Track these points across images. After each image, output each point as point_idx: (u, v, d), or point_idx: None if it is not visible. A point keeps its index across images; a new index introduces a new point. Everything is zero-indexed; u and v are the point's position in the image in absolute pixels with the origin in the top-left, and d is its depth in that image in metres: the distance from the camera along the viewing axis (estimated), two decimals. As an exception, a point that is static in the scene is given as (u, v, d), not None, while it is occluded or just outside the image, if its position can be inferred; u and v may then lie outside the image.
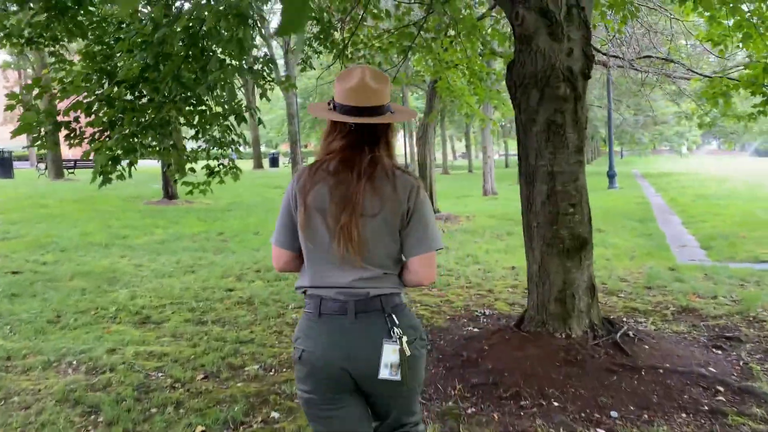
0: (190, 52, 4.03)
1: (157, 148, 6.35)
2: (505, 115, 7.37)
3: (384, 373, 1.70)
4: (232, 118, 4.66)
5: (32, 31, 6.70)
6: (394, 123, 1.82)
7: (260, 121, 4.71)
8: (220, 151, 6.40)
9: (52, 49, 7.18)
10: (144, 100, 4.70)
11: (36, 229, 10.14)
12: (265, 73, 6.73)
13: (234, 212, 13.53)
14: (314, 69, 7.53)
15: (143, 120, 3.94)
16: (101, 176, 5.17)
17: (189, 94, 3.79)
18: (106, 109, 3.93)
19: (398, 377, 1.71)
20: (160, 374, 4.09)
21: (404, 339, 1.72)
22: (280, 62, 30.02)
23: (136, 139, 4.03)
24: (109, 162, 3.91)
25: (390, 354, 1.70)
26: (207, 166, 6.30)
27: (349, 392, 1.78)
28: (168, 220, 11.69)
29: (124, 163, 5.48)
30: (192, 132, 6.48)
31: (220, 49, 3.83)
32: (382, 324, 1.73)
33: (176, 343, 4.77)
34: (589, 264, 3.97)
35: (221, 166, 6.39)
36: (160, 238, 9.99)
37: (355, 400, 1.80)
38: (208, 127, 4.33)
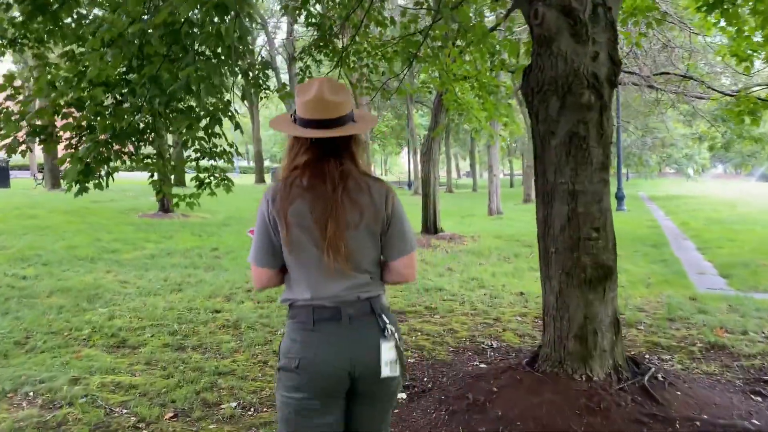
0: (172, 51, 3.60)
1: (140, 157, 5.95)
2: (514, 133, 6.91)
3: (386, 371, 1.76)
4: (214, 125, 4.19)
5: (15, 31, 6.31)
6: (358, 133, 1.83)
7: (237, 125, 4.26)
8: (210, 162, 6.00)
9: (37, 51, 6.79)
10: (127, 104, 4.28)
11: (21, 241, 9.69)
12: (261, 80, 6.33)
13: (231, 227, 13.09)
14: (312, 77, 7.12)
15: (120, 126, 3.50)
16: (77, 185, 4.77)
17: (168, 96, 3.34)
18: (79, 113, 3.49)
19: (397, 373, 1.80)
20: (124, 410, 3.61)
21: (397, 336, 1.80)
22: (285, 77, 29.86)
23: (110, 147, 3.58)
24: (80, 174, 3.47)
25: (388, 351, 1.77)
26: (196, 178, 5.91)
27: (342, 397, 1.82)
28: (161, 234, 11.24)
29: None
30: (176, 141, 6.08)
31: (204, 47, 3.41)
32: (375, 324, 1.79)
33: (149, 373, 4.29)
34: (613, 296, 3.49)
35: (212, 178, 5.99)
36: (151, 252, 9.53)
37: (341, 408, 1.84)
38: (185, 131, 3.87)
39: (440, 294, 6.76)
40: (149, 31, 3.23)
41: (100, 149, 3.50)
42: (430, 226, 11.61)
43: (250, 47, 5.86)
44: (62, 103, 3.49)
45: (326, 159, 1.76)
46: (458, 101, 7.22)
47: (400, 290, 6.91)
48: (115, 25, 3.26)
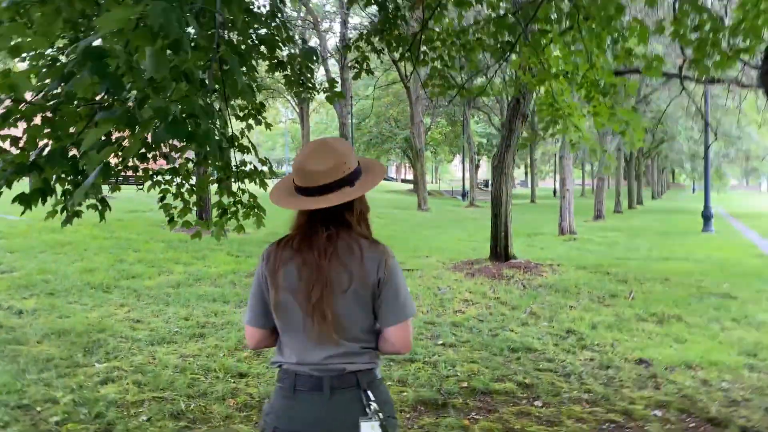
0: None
1: (148, 175, 4.69)
2: (635, 144, 5.24)
3: None
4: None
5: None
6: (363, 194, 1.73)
7: (268, 126, 2.79)
8: (238, 184, 4.63)
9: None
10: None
11: (33, 262, 8.52)
12: (303, 76, 4.93)
13: (273, 244, 11.72)
14: (372, 74, 5.62)
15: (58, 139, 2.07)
16: (63, 212, 3.56)
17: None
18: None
19: None
20: None
21: (380, 415, 1.64)
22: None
23: (39, 174, 2.15)
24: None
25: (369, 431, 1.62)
26: (219, 204, 4.59)
27: None
28: (193, 254, 9.95)
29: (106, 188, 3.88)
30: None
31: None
32: (358, 400, 1.67)
33: None
34: None
35: (237, 205, 4.65)
36: (177, 279, 8.21)
37: None
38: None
39: (532, 358, 5.13)
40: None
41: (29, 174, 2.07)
42: (500, 252, 9.94)
43: (290, 32, 4.42)
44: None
45: (315, 226, 1.68)
46: (555, 105, 5.58)
47: (478, 350, 5.32)
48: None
